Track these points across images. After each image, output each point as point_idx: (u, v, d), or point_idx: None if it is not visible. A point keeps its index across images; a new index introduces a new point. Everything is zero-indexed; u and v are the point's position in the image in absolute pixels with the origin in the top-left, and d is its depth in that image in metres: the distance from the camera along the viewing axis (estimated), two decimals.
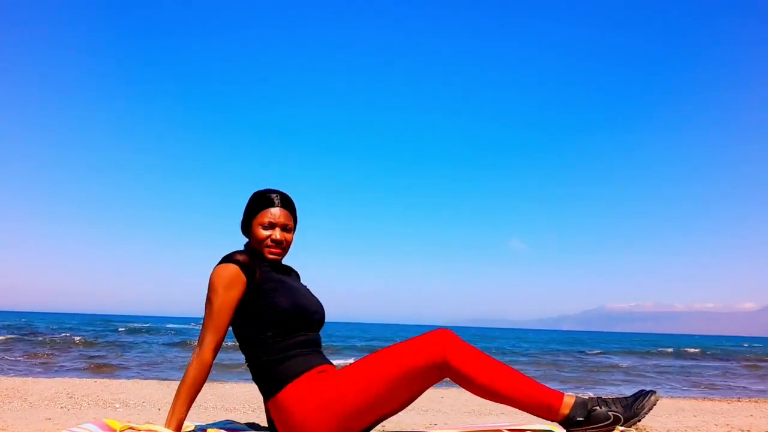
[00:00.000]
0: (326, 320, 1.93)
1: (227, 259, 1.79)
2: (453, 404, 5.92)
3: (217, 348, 1.75)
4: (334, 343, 22.99)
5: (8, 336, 19.57)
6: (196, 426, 1.92)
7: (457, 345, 1.71)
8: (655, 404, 1.72)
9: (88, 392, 5.72)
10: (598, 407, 1.70)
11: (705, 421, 4.76)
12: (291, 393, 1.73)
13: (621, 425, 1.67)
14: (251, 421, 2.06)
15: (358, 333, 41.43)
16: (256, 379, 1.85)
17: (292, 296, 1.82)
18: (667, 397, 8.75)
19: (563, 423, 1.70)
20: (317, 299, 1.96)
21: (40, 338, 19.15)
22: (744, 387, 11.52)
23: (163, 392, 6.11)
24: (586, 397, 1.74)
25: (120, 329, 28.69)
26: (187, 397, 1.71)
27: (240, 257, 1.80)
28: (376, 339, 30.96)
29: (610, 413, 1.68)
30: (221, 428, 1.90)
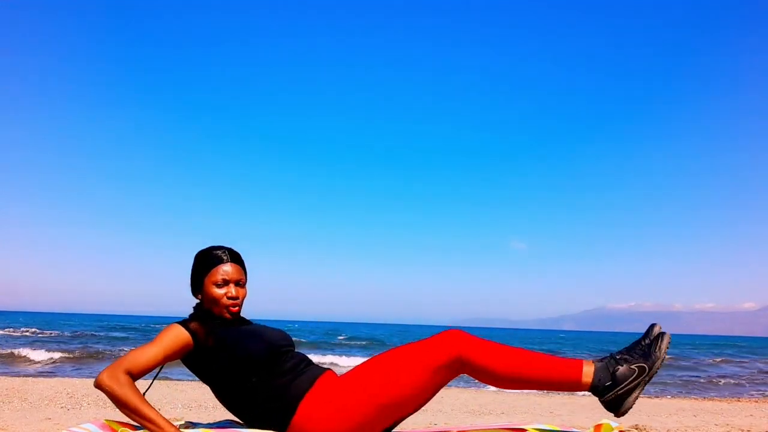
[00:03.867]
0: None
1: (183, 323, 1.78)
2: (453, 404, 5.93)
3: (133, 378, 1.66)
4: (342, 342, 23.00)
5: (23, 331, 19.61)
6: (195, 426, 1.91)
7: (471, 341, 1.71)
8: (669, 343, 1.70)
9: (88, 392, 5.73)
10: (619, 366, 1.67)
11: (705, 421, 4.77)
12: (305, 412, 1.71)
13: (647, 374, 1.65)
14: None
15: (360, 333, 41.43)
16: (263, 420, 1.79)
17: (259, 338, 1.79)
18: (667, 397, 8.75)
19: (592, 392, 1.67)
20: (279, 330, 1.94)
21: (47, 338, 19.15)
22: (744, 387, 11.52)
23: (162, 392, 6.11)
24: (602, 361, 1.70)
25: (123, 328, 28.70)
26: (148, 403, 1.64)
27: (194, 326, 1.78)
28: (377, 338, 30.99)
29: (633, 366, 1.66)
30: (221, 428, 1.90)
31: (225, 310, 1.83)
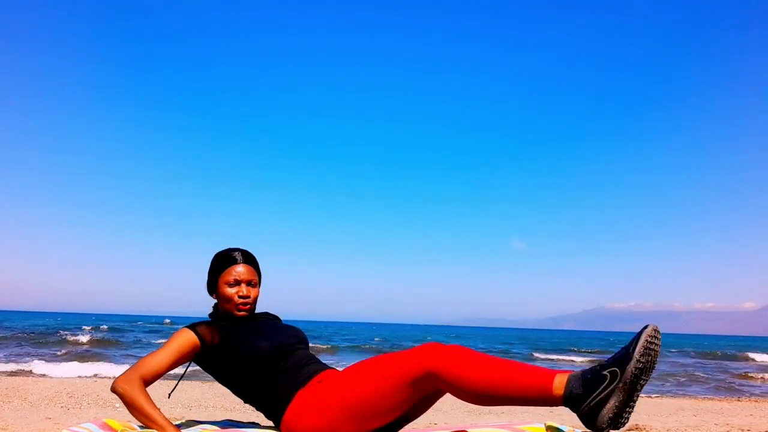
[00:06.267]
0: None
1: (191, 327, 1.89)
2: (453, 404, 5.93)
3: (145, 384, 1.77)
4: (339, 343, 23.07)
5: (16, 334, 19.62)
6: (195, 424, 1.92)
7: (445, 354, 1.63)
8: (652, 336, 1.45)
9: (88, 391, 5.73)
10: (589, 375, 1.48)
11: (705, 421, 4.78)
12: (295, 410, 1.77)
13: (620, 379, 1.44)
14: (251, 421, 2.06)
15: (363, 332, 41.47)
16: (269, 415, 1.89)
17: (264, 336, 1.87)
18: (667, 396, 8.75)
19: (565, 404, 1.49)
20: (293, 328, 2.01)
21: (49, 337, 19.18)
22: (744, 386, 11.53)
23: (163, 391, 6.10)
24: (579, 371, 1.52)
25: (124, 327, 28.72)
26: (153, 404, 1.73)
27: (201, 328, 1.88)
28: (376, 339, 31.01)
29: (605, 372, 1.46)
30: (221, 427, 1.90)
31: (236, 309, 1.93)
